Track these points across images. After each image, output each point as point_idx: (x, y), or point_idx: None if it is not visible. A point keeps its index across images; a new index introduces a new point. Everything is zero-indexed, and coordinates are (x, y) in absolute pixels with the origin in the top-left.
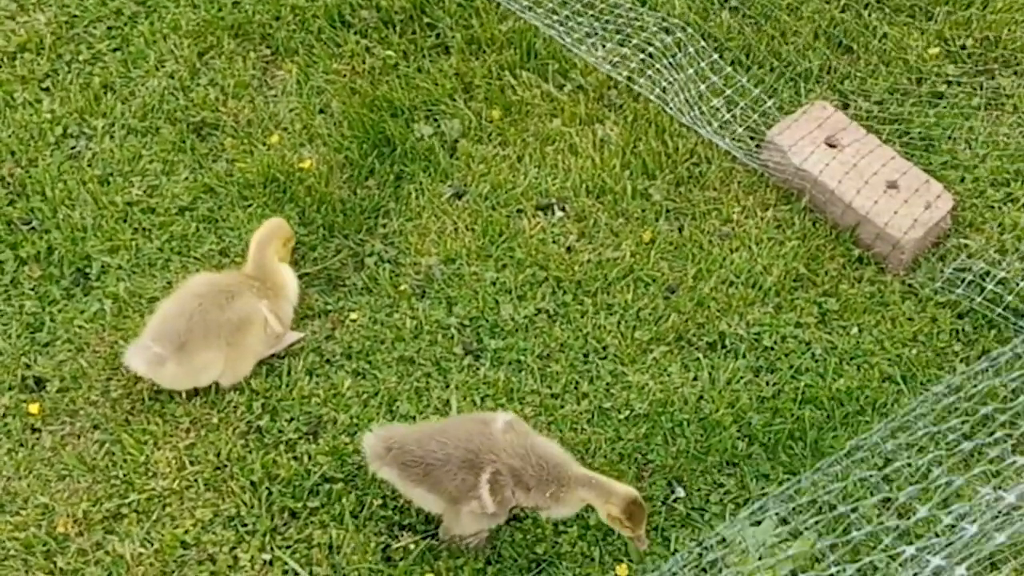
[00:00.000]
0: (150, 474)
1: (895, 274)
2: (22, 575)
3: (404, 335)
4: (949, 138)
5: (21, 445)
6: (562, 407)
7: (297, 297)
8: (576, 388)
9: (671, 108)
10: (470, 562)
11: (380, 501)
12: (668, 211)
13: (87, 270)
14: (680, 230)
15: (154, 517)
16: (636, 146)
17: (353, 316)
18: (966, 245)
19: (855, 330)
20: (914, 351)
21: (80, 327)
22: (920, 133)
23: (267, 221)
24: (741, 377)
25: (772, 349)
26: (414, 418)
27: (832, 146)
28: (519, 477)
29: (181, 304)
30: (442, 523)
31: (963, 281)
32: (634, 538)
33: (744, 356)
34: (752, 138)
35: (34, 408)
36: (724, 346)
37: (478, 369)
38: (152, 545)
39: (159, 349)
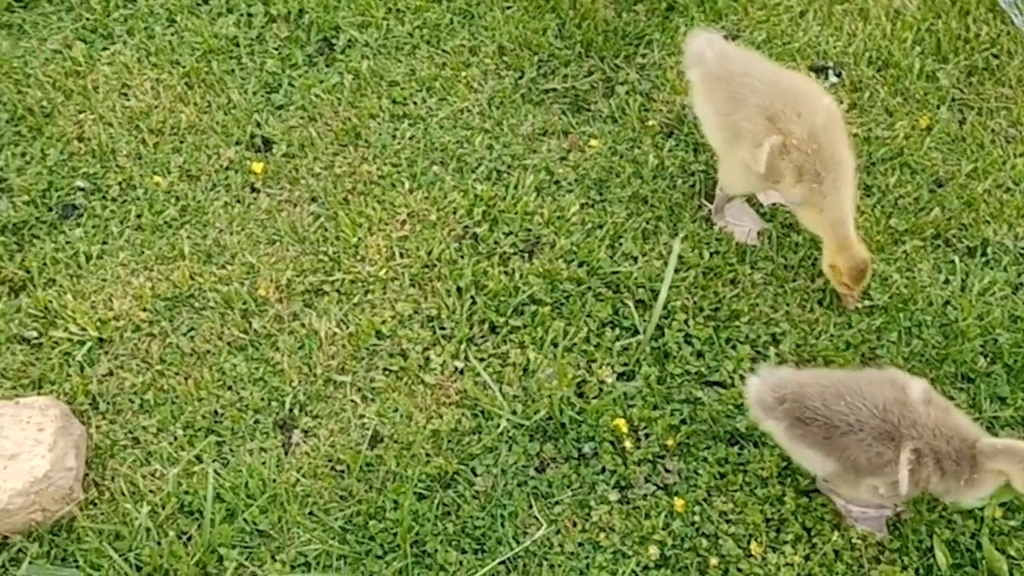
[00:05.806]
0: (358, 257)
1: None
2: (217, 327)
3: (643, 172)
4: None
5: (238, 201)
6: (794, 280)
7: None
8: (813, 265)
9: None
10: (665, 416)
11: (584, 334)
12: (953, 100)
13: (333, 40)
14: (961, 123)
15: (354, 300)
16: (933, 23)
17: (593, 143)
18: None
19: None
20: None
21: (316, 96)
22: None
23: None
24: (998, 291)
25: None
26: (635, 259)
27: None
28: (940, 460)
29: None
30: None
31: None
32: None
33: (1005, 269)
34: None
35: (257, 167)
36: (985, 254)
37: (713, 224)
38: (347, 327)
39: (712, 55)
